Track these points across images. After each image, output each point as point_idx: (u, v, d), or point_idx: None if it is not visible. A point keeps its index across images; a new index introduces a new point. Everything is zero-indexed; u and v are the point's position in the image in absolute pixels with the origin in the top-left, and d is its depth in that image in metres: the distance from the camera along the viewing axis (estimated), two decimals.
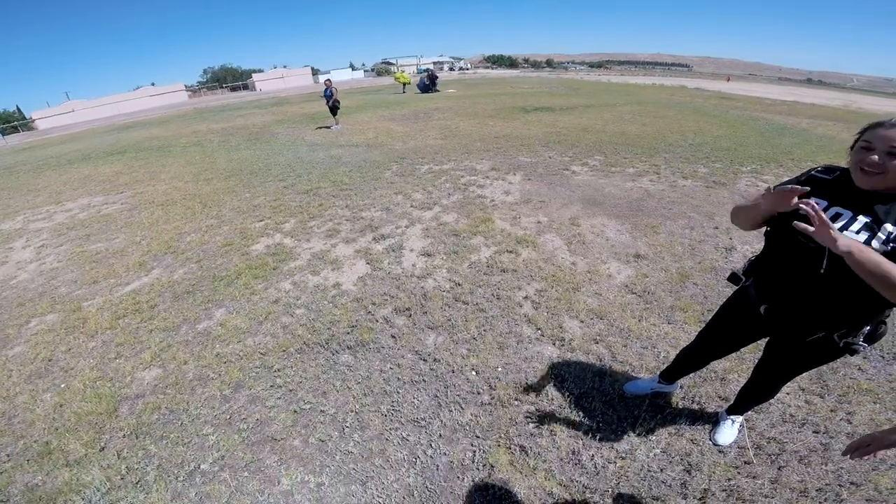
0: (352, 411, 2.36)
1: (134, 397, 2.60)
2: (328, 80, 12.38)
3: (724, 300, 1.88)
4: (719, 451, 2.03)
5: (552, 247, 4.00)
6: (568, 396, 2.34)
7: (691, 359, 2.11)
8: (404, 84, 24.47)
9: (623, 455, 2.03)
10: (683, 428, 2.15)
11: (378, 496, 1.93)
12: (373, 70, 71.32)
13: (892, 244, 1.23)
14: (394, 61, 73.39)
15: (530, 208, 4.94)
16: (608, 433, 2.14)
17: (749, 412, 2.18)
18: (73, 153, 13.32)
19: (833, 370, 2.46)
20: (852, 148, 1.40)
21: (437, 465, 2.04)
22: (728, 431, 2.11)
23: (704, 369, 2.35)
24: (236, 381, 2.63)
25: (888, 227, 1.25)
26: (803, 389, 2.36)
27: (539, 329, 2.90)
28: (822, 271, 1.32)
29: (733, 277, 1.76)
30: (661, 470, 1.95)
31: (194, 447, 2.23)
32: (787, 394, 2.32)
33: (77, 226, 5.63)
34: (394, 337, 2.92)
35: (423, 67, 53.52)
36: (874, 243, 1.24)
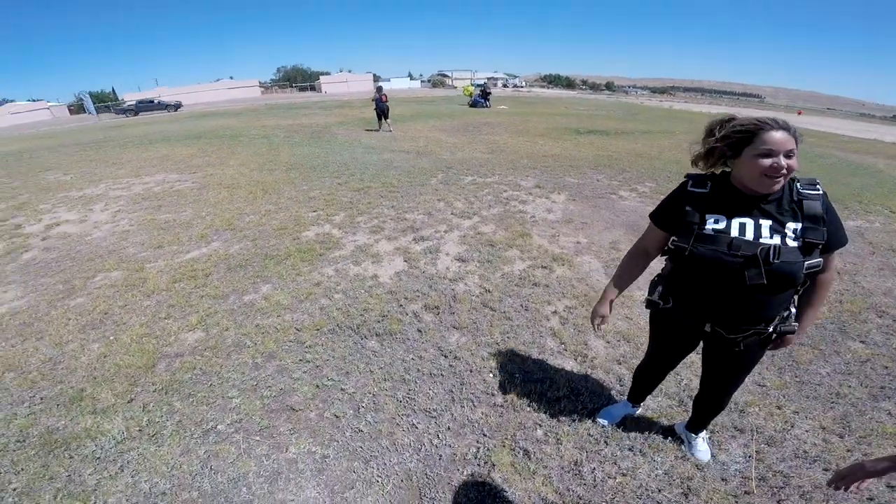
0: (369, 393, 2.49)
1: (173, 356, 2.80)
2: (381, 87, 13.13)
3: (653, 321, 1.92)
4: (721, 479, 2.02)
5: (588, 268, 4.02)
6: (581, 410, 2.38)
7: (649, 377, 2.16)
8: (470, 96, 24.83)
9: (624, 472, 2.05)
10: (690, 455, 2.14)
11: (377, 475, 2.02)
12: (429, 81, 72.88)
13: (800, 238, 1.34)
14: (449, 74, 74.84)
15: (571, 228, 4.97)
16: (615, 449, 2.16)
17: (761, 444, 2.18)
18: (155, 134, 14.56)
19: (860, 412, 2.41)
20: (712, 154, 1.47)
21: (440, 455, 2.13)
22: (703, 448, 2.13)
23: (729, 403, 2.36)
24: (269, 352, 2.81)
25: (790, 224, 1.38)
26: (823, 428, 2.31)
27: (563, 343, 2.93)
28: (764, 282, 1.36)
29: (651, 304, 1.75)
30: (660, 491, 1.96)
31: (216, 408, 2.38)
32: (807, 431, 2.29)
33: (151, 197, 6.20)
34: (420, 331, 3.05)
35: (478, 82, 54.19)
36: (789, 242, 1.35)
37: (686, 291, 1.61)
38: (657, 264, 1.82)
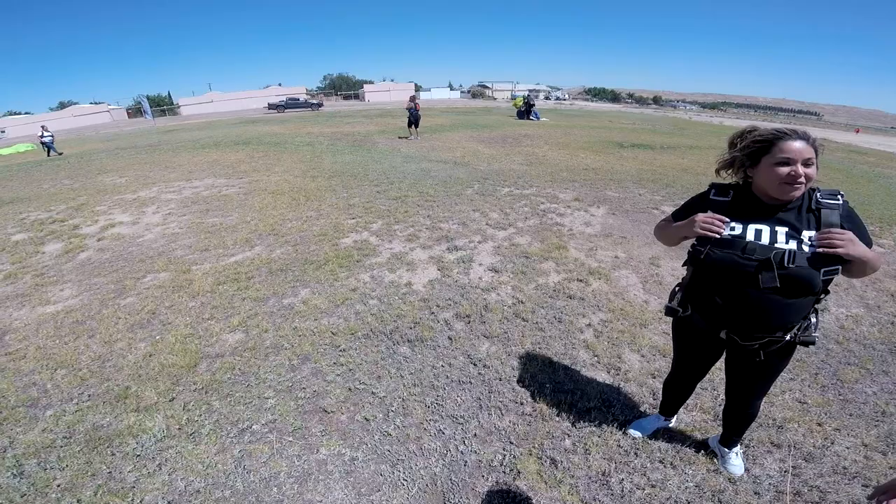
0: (399, 398, 2.53)
1: (215, 356, 2.90)
2: (414, 97, 13.93)
3: (674, 331, 1.94)
4: (755, 493, 1.95)
5: (626, 283, 3.93)
6: (612, 422, 2.34)
7: (677, 390, 2.14)
8: (518, 109, 24.59)
9: (654, 483, 2.00)
10: (723, 468, 2.09)
11: (404, 479, 2.05)
12: (468, 92, 73.32)
13: (814, 246, 1.38)
14: (489, 85, 74.98)
15: (610, 242, 4.87)
16: (644, 461, 2.12)
17: (799, 460, 2.13)
18: (206, 139, 15.36)
19: None
20: (734, 164, 1.54)
21: (466, 461, 2.13)
22: (736, 462, 2.08)
23: (762, 416, 2.34)
24: (305, 354, 2.90)
25: (806, 232, 1.42)
26: (865, 445, 2.22)
27: (596, 356, 2.89)
28: (777, 286, 1.38)
29: (670, 312, 1.77)
30: (689, 503, 1.91)
31: (253, 408, 2.44)
32: (847, 448, 2.21)
33: (200, 201, 6.53)
34: (450, 338, 3.07)
35: (518, 93, 54.02)
36: (805, 248, 1.36)
37: (703, 297, 1.64)
38: (679, 272, 1.81)
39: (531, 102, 23.81)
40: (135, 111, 47.21)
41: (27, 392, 2.64)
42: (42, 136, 15.91)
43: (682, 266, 1.74)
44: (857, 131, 40.47)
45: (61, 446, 2.23)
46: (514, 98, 38.99)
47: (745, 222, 1.48)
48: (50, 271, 4.38)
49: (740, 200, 1.54)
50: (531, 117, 22.48)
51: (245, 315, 3.37)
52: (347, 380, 2.66)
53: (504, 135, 14.80)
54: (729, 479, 2.02)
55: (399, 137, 14.08)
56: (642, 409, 2.45)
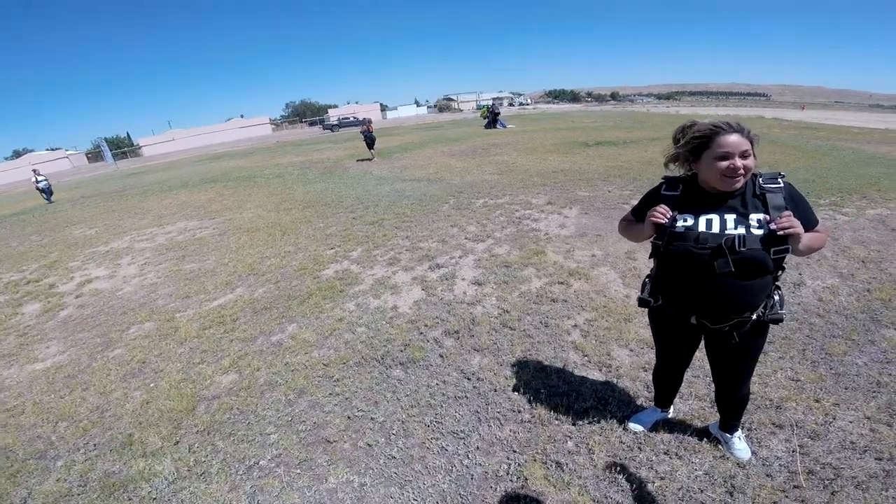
0: (398, 420, 2.55)
1: (211, 398, 2.91)
2: (367, 119, 14.49)
3: (651, 322, 2.01)
4: (766, 475, 2.00)
5: (606, 279, 4.03)
6: (610, 419, 2.39)
7: (666, 379, 2.20)
8: (485, 118, 24.89)
9: (662, 476, 2.04)
10: (730, 453, 2.13)
11: (414, 499, 2.07)
12: (435, 106, 74.10)
13: (765, 227, 1.44)
14: (454, 97, 76.02)
15: (585, 242, 4.99)
16: (649, 454, 2.16)
17: (804, 438, 2.17)
18: (173, 180, 15.12)
19: None
20: (678, 159, 1.64)
21: (472, 475, 2.16)
22: (741, 446, 2.12)
23: (759, 398, 2.42)
24: (300, 388, 2.91)
25: (753, 216, 1.51)
26: (868, 418, 2.27)
27: (586, 355, 2.96)
28: (731, 270, 1.47)
29: (643, 303, 1.85)
30: (702, 491, 1.95)
31: (256, 445, 2.47)
32: (851, 422, 2.25)
33: (175, 247, 6.44)
34: (442, 356, 3.11)
35: (482, 103, 55.02)
36: (753, 231, 1.45)
37: (669, 287, 1.73)
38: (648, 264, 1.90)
39: (496, 111, 23.96)
40: (95, 155, 46.06)
41: (33, 445, 2.68)
42: (37, 182, 14.84)
43: (649, 259, 1.82)
44: (803, 108, 42.46)
45: (78, 494, 2.28)
46: (480, 108, 39.92)
47: (696, 213, 1.57)
48: (32, 330, 4.30)
49: (689, 193, 1.63)
50: (498, 126, 22.71)
51: (235, 356, 3.36)
52: (345, 408, 2.68)
53: (474, 146, 14.98)
54: (738, 465, 2.05)
55: (358, 160, 14.26)
56: (638, 402, 2.51)
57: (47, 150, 50.65)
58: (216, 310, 4.19)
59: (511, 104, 68.26)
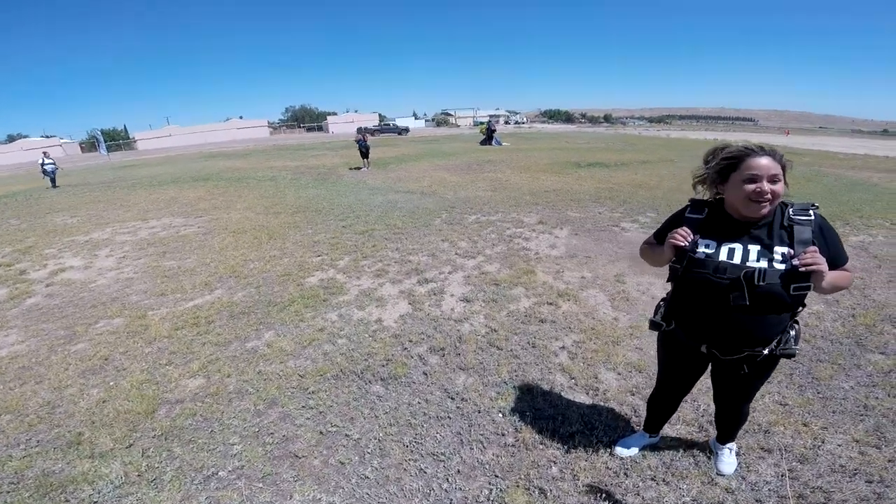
0: (375, 438, 2.44)
1: (174, 402, 2.78)
2: (361, 128, 14.50)
3: (659, 346, 1.94)
4: (756, 500, 1.96)
5: (595, 302, 3.99)
6: (597, 444, 2.32)
7: (662, 405, 2.14)
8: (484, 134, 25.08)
9: (649, 502, 1.98)
10: (719, 479, 2.09)
11: None
12: (433, 120, 74.42)
13: (789, 262, 1.37)
14: (452, 112, 76.63)
15: (575, 263, 4.96)
16: (636, 480, 2.10)
17: (793, 462, 2.15)
18: (164, 175, 14.91)
19: (894, 422, 2.38)
20: (706, 181, 1.57)
21: (451, 500, 2.06)
22: (729, 459, 2.11)
23: (747, 422, 2.32)
24: (272, 398, 2.78)
25: (778, 248, 1.40)
26: (857, 441, 2.27)
27: (573, 378, 2.90)
28: (747, 303, 1.41)
29: (654, 325, 1.79)
30: None
31: (217, 454, 2.34)
32: (839, 445, 2.25)
33: (157, 242, 6.27)
34: (425, 374, 3.01)
35: (480, 120, 55.71)
36: (776, 265, 1.38)
37: (684, 313, 1.67)
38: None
39: (492, 129, 24.25)
40: (89, 146, 45.23)
41: None
42: (43, 164, 14.35)
43: (667, 282, 1.75)
44: (787, 133, 43.51)
45: (8, 492, 2.12)
46: (479, 124, 40.60)
47: (719, 241, 1.51)
48: None
49: (714, 217, 1.56)
50: (493, 143, 22.92)
51: (205, 360, 3.22)
52: (318, 423, 2.56)
53: (469, 162, 15.06)
54: (727, 490, 2.02)
55: (350, 168, 14.28)
56: (625, 427, 2.45)
57: (42, 136, 49.66)
58: (191, 310, 4.04)
59: (507, 122, 68.99)
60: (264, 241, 6.12)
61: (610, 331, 3.46)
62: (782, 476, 2.06)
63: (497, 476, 2.17)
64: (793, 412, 2.51)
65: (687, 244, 1.51)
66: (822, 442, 2.28)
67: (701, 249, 1.52)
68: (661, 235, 1.75)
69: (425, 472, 2.21)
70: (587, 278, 4.52)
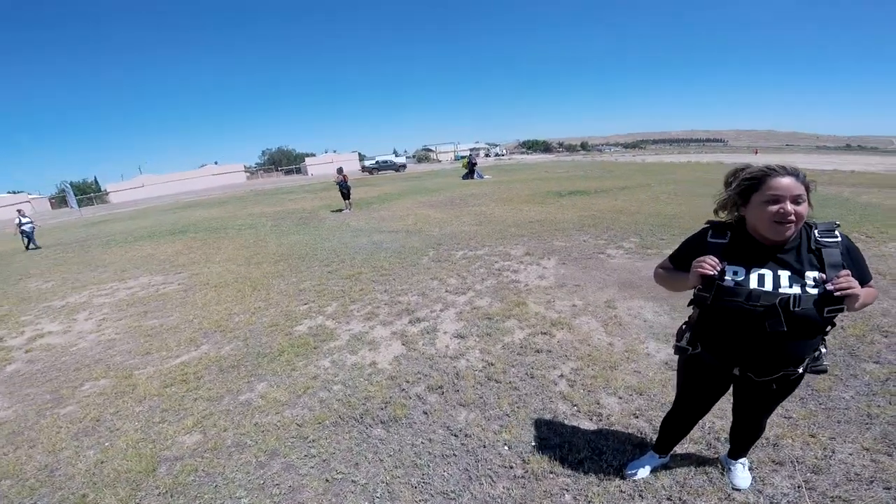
0: (382, 482, 2.38)
1: (173, 459, 2.71)
2: (341, 168, 14.32)
3: (682, 369, 1.90)
4: None
5: (588, 328, 4.00)
6: (607, 469, 2.30)
7: (679, 426, 2.11)
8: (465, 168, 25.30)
9: None
10: (735, 493, 2.07)
11: None
12: (414, 156, 75.28)
13: (821, 286, 1.34)
14: (433, 148, 77.78)
15: (565, 292, 4.98)
16: (651, 501, 2.08)
17: (807, 474, 2.15)
18: (139, 230, 14.64)
19: None
20: (728, 205, 1.52)
21: None
22: (743, 474, 2.09)
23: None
24: (272, 449, 2.71)
25: (809, 273, 1.37)
26: (867, 449, 2.28)
27: (575, 405, 2.88)
28: (784, 329, 1.38)
29: (680, 350, 1.76)
30: None
31: None
32: (850, 454, 2.26)
33: (136, 302, 6.09)
34: (426, 413, 2.96)
35: (460, 154, 56.94)
36: (809, 290, 1.35)
37: (713, 337, 1.62)
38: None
39: (473, 162, 24.54)
40: (58, 200, 43.76)
41: None
42: (21, 224, 13.50)
43: (688, 306, 1.72)
44: (756, 152, 45.38)
45: None
46: (460, 159, 41.67)
47: (747, 267, 1.46)
48: None
49: (738, 241, 1.51)
50: (475, 177, 23.27)
51: (200, 415, 3.13)
52: (323, 471, 2.50)
53: (452, 197, 15.22)
54: None
55: (332, 211, 14.26)
56: (633, 450, 2.43)
57: (8, 192, 47.91)
58: (179, 367, 3.91)
59: (487, 155, 70.19)
60: (248, 292, 6.00)
61: (606, 356, 3.47)
62: (799, 487, 2.07)
63: None
64: (798, 424, 2.53)
65: (715, 273, 1.45)
66: (833, 452, 2.30)
67: (729, 277, 1.47)
68: (678, 260, 1.71)
69: None
70: (578, 306, 4.54)
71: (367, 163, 47.56)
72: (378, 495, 2.29)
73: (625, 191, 13.72)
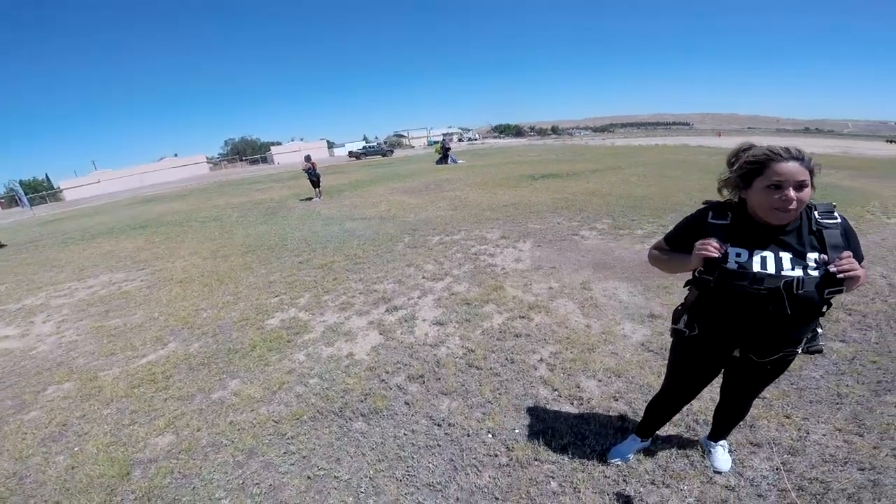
0: (366, 477, 2.34)
1: (147, 462, 2.62)
2: (309, 156, 13.92)
3: (675, 351, 1.89)
4: (758, 496, 1.98)
5: (565, 311, 4.02)
6: (590, 454, 2.31)
7: (666, 410, 2.12)
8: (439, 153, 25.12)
9: None
10: (716, 476, 2.12)
11: None
12: (385, 143, 74.09)
13: (822, 267, 1.34)
14: (405, 133, 76.72)
15: (541, 275, 5.00)
16: (636, 486, 2.10)
17: (784, 455, 2.19)
18: (97, 226, 13.89)
19: (869, 409, 2.50)
20: (731, 185, 1.50)
21: None
22: (724, 457, 2.12)
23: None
24: (249, 448, 2.63)
25: (810, 255, 1.39)
26: (839, 430, 2.35)
27: (556, 390, 2.89)
28: (789, 313, 1.38)
29: (677, 333, 1.74)
30: None
31: None
32: (824, 435, 2.32)
33: (97, 302, 5.78)
34: (407, 403, 2.91)
35: (433, 139, 56.64)
36: (810, 272, 1.35)
37: (713, 320, 1.60)
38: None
39: (447, 146, 24.39)
40: (8, 200, 41.11)
41: None
42: None
43: (685, 287, 1.70)
44: (719, 135, 46.83)
45: None
46: (433, 144, 41.58)
47: (750, 249, 1.44)
48: None
49: (739, 222, 1.49)
50: (449, 162, 23.11)
51: (171, 416, 3.01)
52: (304, 468, 2.44)
53: (426, 182, 15.04)
54: (727, 487, 2.04)
55: (301, 200, 13.85)
56: (615, 434, 2.45)
57: None
58: (146, 367, 3.74)
59: (461, 139, 69.80)
60: (215, 287, 5.76)
61: (584, 338, 3.49)
62: (777, 470, 2.11)
63: (497, 498, 2.13)
64: (773, 405, 2.59)
65: (719, 255, 1.43)
66: (808, 433, 2.35)
67: (732, 259, 1.45)
68: (676, 241, 1.67)
69: None
70: (555, 288, 4.56)
71: (354, 148, 47.94)
72: (362, 490, 2.25)
73: (596, 173, 13.88)
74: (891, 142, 38.09)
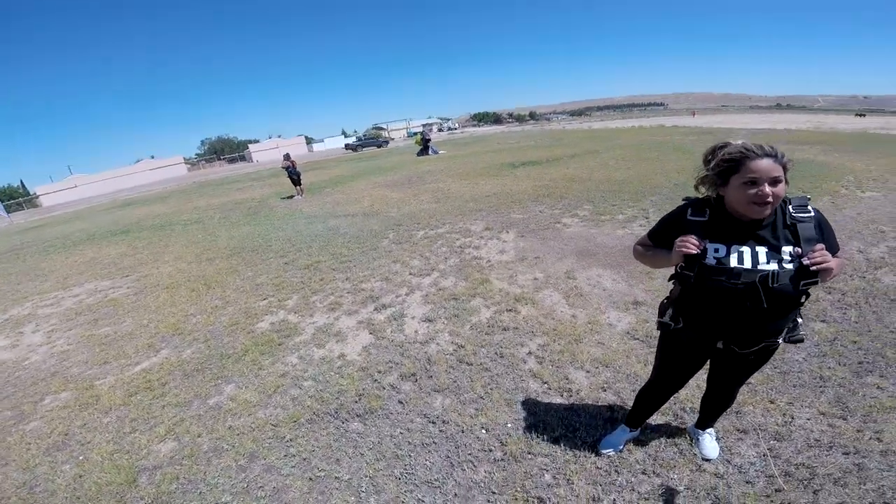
0: (366, 476, 2.41)
1: (152, 468, 2.67)
2: (287, 154, 13.78)
3: (662, 343, 1.95)
4: (746, 482, 2.06)
5: (551, 302, 4.12)
6: (582, 445, 2.39)
7: (654, 400, 2.19)
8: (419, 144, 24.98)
9: (646, 496, 2.06)
10: (705, 464, 2.20)
11: None
12: (364, 136, 73.07)
13: (796, 260, 1.41)
14: (384, 126, 75.76)
15: (526, 265, 5.10)
16: (628, 476, 2.17)
17: (770, 441, 2.25)
18: (77, 233, 13.59)
19: (851, 392, 2.57)
20: (708, 182, 1.55)
21: None
22: (711, 445, 2.20)
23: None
24: (250, 452, 2.69)
25: (785, 248, 1.45)
26: (823, 414, 2.42)
27: (545, 383, 2.97)
28: (765, 306, 1.45)
29: (663, 326, 1.81)
30: None
31: None
32: (808, 419, 2.39)
33: (85, 311, 5.74)
34: (401, 402, 2.98)
35: (413, 131, 56.36)
36: (785, 265, 1.42)
37: (695, 313, 1.66)
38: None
39: (427, 138, 24.23)
40: None
41: None
42: None
43: (669, 281, 1.76)
44: (694, 114, 47.24)
45: None
46: (413, 135, 41.49)
47: (728, 244, 1.50)
48: None
49: (717, 219, 1.54)
50: (430, 153, 22.98)
51: (171, 422, 3.06)
52: (305, 470, 2.51)
53: (408, 175, 14.99)
54: (716, 475, 2.11)
55: (282, 198, 13.74)
56: (605, 424, 2.54)
57: None
58: (141, 374, 3.76)
59: (441, 129, 69.13)
60: (202, 291, 5.76)
61: (570, 329, 3.58)
62: (764, 456, 2.18)
63: (494, 493, 2.20)
64: (757, 390, 2.65)
65: (698, 252, 1.49)
66: (792, 418, 2.41)
67: (711, 255, 1.50)
68: (657, 237, 1.74)
69: (423, 502, 2.22)
70: (540, 279, 4.66)
71: (350, 140, 49.59)
72: (363, 489, 2.32)
73: (575, 158, 14.01)
74: (860, 115, 39.12)
